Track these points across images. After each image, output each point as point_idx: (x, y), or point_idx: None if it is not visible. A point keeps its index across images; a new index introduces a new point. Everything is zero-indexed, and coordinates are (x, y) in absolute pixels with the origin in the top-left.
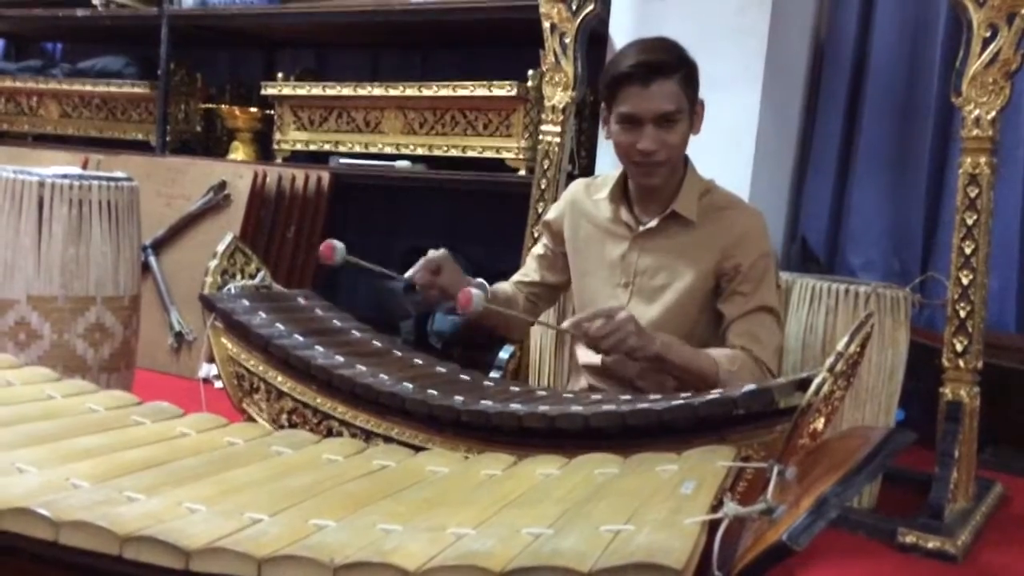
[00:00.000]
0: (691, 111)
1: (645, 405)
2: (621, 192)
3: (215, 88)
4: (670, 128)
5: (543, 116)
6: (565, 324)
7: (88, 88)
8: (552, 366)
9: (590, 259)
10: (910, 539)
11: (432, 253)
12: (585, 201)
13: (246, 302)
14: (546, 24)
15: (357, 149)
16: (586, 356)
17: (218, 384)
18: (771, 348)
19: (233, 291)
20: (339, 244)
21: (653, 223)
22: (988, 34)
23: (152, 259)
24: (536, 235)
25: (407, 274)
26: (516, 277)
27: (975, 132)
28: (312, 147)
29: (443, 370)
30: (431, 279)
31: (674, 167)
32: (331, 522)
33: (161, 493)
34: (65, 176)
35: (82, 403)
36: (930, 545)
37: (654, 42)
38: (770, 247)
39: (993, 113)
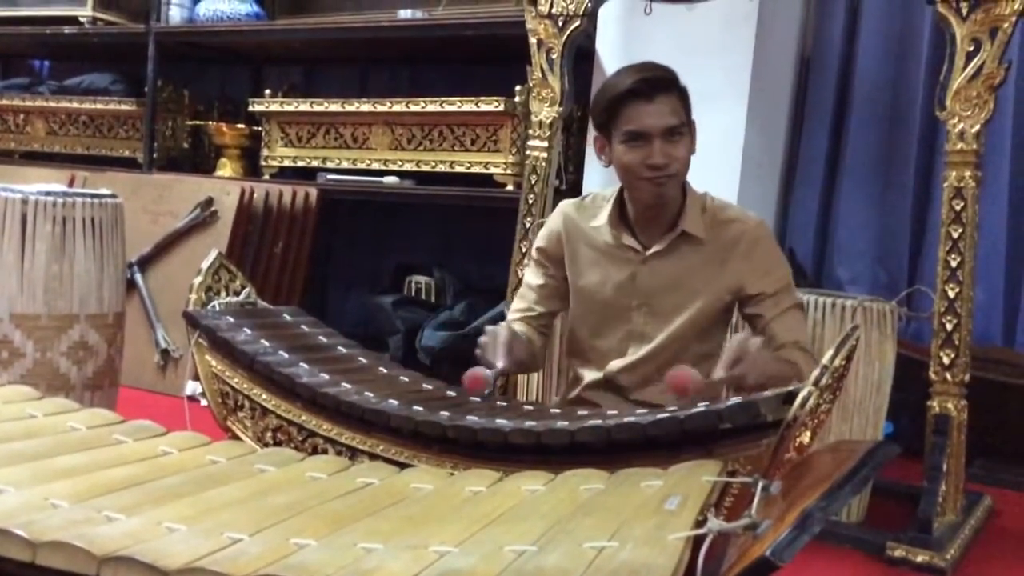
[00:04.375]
0: (691, 129)
1: (631, 419)
2: (619, 217)
3: (202, 105)
4: (677, 142)
5: (530, 131)
6: (719, 374)
7: (75, 105)
8: (540, 381)
9: (595, 282)
10: (899, 553)
11: (491, 332)
12: (581, 225)
13: (230, 319)
14: (533, 40)
15: (345, 165)
16: (586, 371)
17: (204, 402)
18: (809, 339)
19: (217, 308)
20: (486, 372)
21: (662, 245)
22: (971, 48)
23: (138, 276)
24: (524, 251)
25: (499, 366)
26: (520, 313)
27: (960, 146)
28: (300, 163)
29: (429, 386)
30: (513, 359)
31: (681, 182)
32: (312, 541)
33: (141, 512)
34: (48, 193)
35: (63, 422)
36: (919, 559)
37: (647, 63)
38: (779, 250)
39: (977, 127)
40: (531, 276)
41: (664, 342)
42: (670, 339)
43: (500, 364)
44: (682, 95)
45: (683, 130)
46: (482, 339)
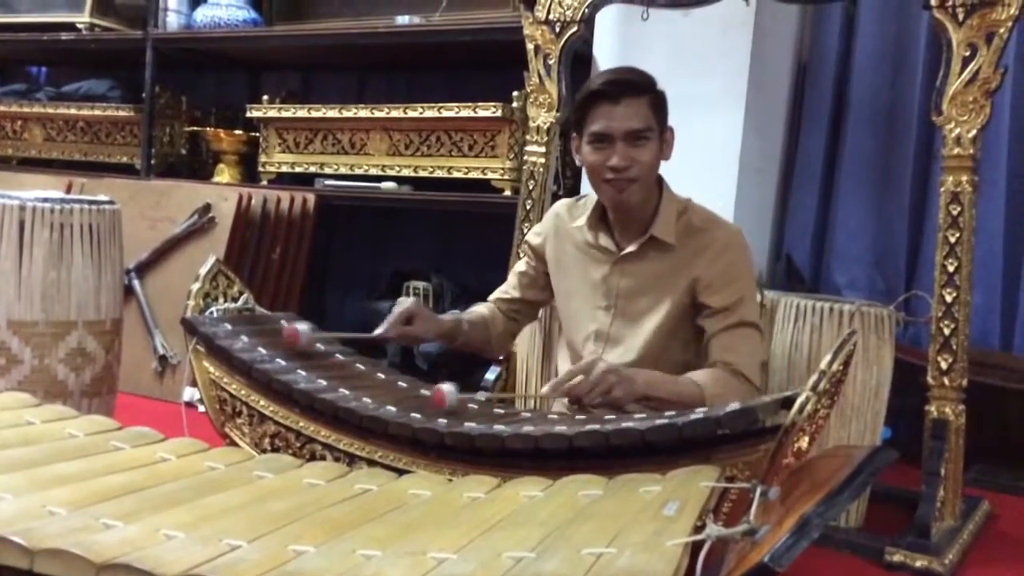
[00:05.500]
0: (660, 134)
1: (629, 425)
2: (598, 218)
3: (200, 111)
4: (641, 146)
5: (528, 137)
6: (544, 390)
7: (72, 112)
8: (539, 386)
9: (573, 280)
10: (897, 558)
11: (401, 303)
12: (568, 224)
13: (228, 326)
14: (530, 46)
15: (343, 171)
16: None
17: (201, 408)
18: (753, 361)
19: (215, 314)
20: (303, 327)
21: (633, 248)
22: (968, 53)
23: (136, 282)
24: (521, 256)
25: (377, 331)
26: (497, 294)
27: (956, 151)
28: (297, 169)
29: (427, 392)
30: (402, 330)
31: (647, 187)
32: (310, 548)
33: (139, 519)
34: (46, 200)
35: (61, 429)
36: (918, 564)
37: (624, 67)
38: (749, 262)
39: (974, 132)
40: (518, 264)
41: (635, 348)
42: (641, 345)
43: (379, 330)
44: (655, 100)
45: (648, 134)
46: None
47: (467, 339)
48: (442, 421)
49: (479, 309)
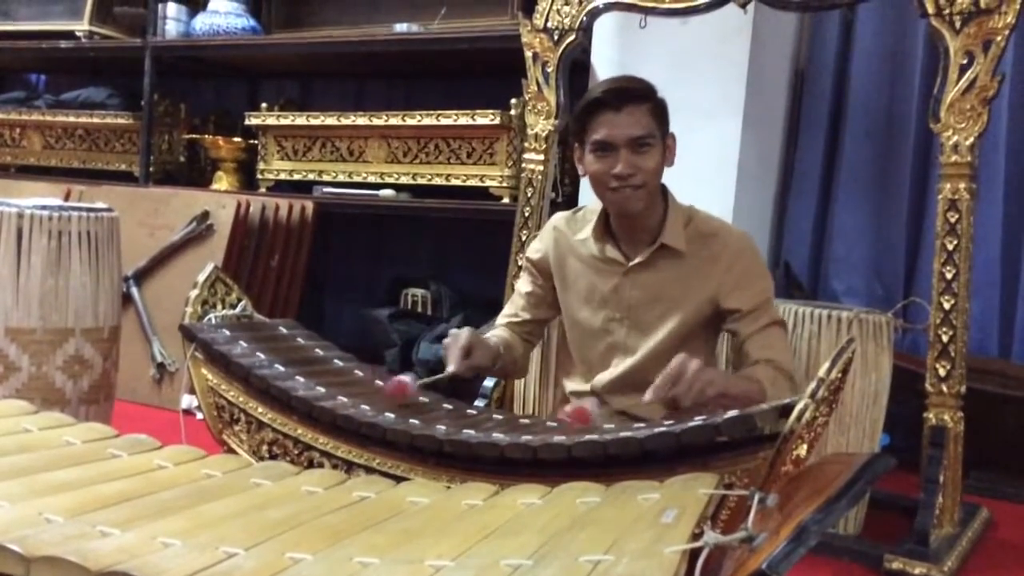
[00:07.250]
0: (663, 141)
1: (627, 434)
2: (604, 229)
3: (199, 118)
4: (644, 153)
5: (526, 144)
6: (647, 398)
7: (71, 119)
8: (537, 395)
9: (581, 294)
10: (896, 565)
11: (456, 335)
12: (569, 237)
13: (227, 332)
14: (528, 54)
15: (341, 178)
16: (574, 384)
17: (199, 415)
18: (789, 357)
19: (213, 321)
20: (408, 379)
21: (643, 257)
22: (965, 61)
23: (134, 290)
24: (520, 265)
25: (449, 370)
26: (507, 318)
27: (954, 158)
28: (296, 176)
29: (425, 400)
30: (469, 363)
31: (652, 195)
32: (308, 555)
33: (136, 527)
34: (44, 207)
35: (58, 436)
36: (916, 571)
37: (624, 76)
38: (763, 262)
39: (971, 139)
40: (521, 283)
41: (647, 354)
42: (653, 352)
43: (451, 368)
44: (656, 107)
45: (651, 141)
46: (445, 341)
47: (503, 363)
48: (440, 428)
49: (500, 333)
